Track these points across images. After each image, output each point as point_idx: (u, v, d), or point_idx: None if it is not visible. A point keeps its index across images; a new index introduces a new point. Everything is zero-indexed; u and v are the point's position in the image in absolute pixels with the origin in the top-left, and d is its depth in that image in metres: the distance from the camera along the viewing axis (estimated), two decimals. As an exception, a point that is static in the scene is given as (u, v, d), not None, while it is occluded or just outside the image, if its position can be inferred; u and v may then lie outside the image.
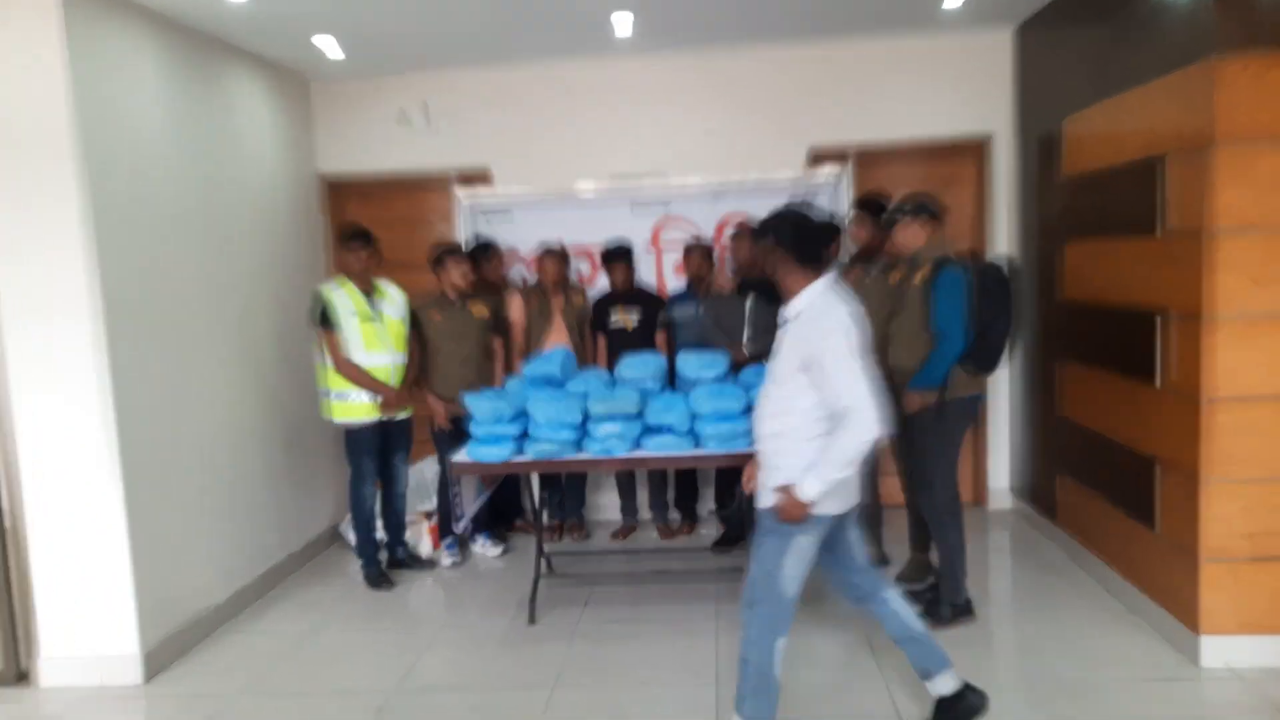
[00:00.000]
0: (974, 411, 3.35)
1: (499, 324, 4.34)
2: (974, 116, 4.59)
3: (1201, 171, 2.82)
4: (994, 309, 3.14)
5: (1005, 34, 4.51)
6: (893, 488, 4.11)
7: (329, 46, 4.20)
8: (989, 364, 3.21)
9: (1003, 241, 4.64)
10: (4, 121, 3.04)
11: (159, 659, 3.33)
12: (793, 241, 2.35)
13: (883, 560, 3.97)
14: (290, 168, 4.64)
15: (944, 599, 3.33)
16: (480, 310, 4.23)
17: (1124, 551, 3.46)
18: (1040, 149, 4.26)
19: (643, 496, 4.74)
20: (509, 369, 4.31)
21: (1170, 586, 3.10)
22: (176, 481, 3.50)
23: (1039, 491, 4.40)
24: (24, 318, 3.12)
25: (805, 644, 3.25)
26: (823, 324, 2.30)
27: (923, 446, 3.28)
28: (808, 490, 2.32)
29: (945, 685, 2.60)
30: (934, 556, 3.52)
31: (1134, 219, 3.25)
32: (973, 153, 4.72)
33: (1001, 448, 4.77)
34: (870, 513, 3.97)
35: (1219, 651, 2.91)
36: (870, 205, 3.73)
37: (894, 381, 3.32)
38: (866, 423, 2.25)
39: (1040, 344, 4.31)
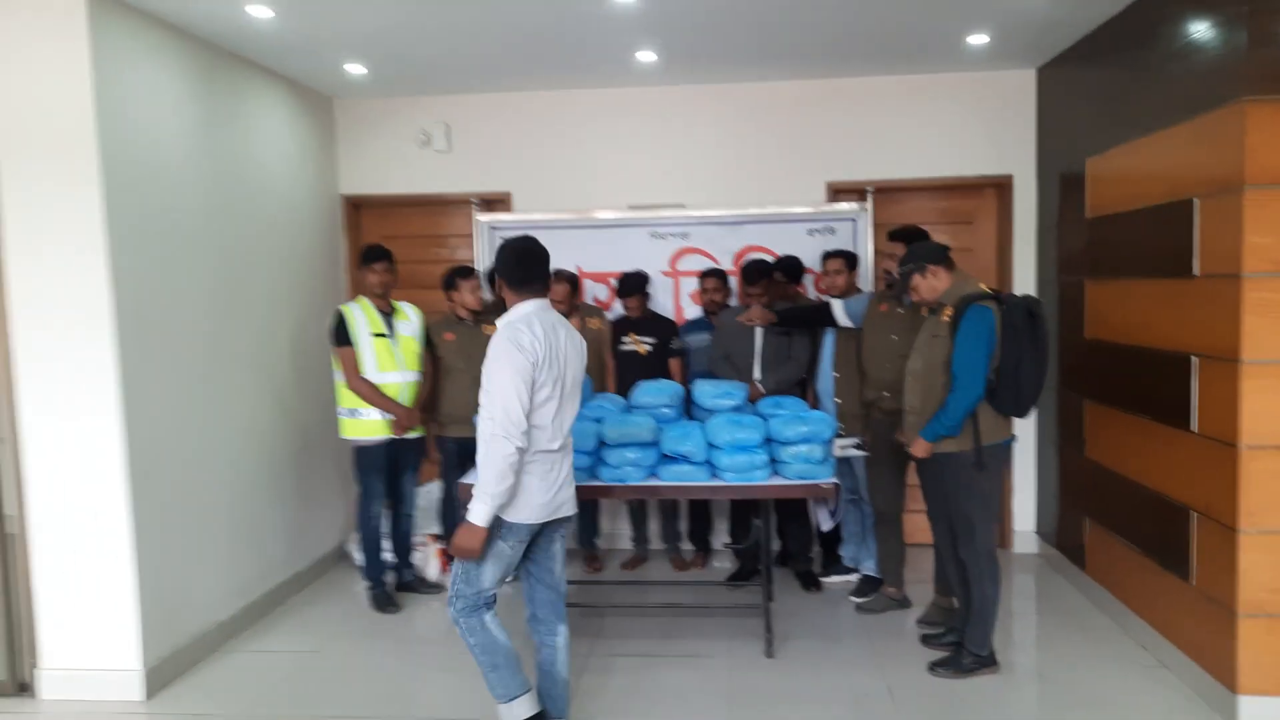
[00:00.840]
0: (1007, 457, 3.20)
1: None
2: (995, 157, 4.54)
3: (1231, 214, 2.76)
4: (1021, 347, 3.00)
5: (1028, 75, 4.49)
6: (913, 526, 4.00)
7: (353, 64, 4.24)
8: (1018, 405, 3.05)
9: (1025, 279, 4.57)
10: (25, 132, 3.05)
11: (161, 675, 3.27)
12: (507, 268, 2.56)
13: (904, 602, 3.85)
14: (312, 186, 4.66)
15: (968, 647, 3.21)
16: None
17: (1156, 603, 3.33)
18: (1062, 189, 4.22)
19: (653, 526, 4.66)
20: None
21: (1205, 642, 2.98)
22: (185, 495, 3.47)
23: (1066, 536, 4.28)
24: (37, 327, 3.11)
25: (818, 684, 3.15)
26: (499, 339, 2.44)
27: (963, 494, 3.13)
28: (474, 513, 2.39)
29: None
30: (956, 602, 3.41)
31: (1165, 261, 3.18)
32: (994, 188, 4.66)
33: (1028, 490, 4.65)
34: (893, 552, 3.87)
35: (1258, 713, 2.77)
36: (905, 237, 3.62)
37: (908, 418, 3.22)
38: (500, 437, 2.35)
39: (1065, 383, 4.22)
